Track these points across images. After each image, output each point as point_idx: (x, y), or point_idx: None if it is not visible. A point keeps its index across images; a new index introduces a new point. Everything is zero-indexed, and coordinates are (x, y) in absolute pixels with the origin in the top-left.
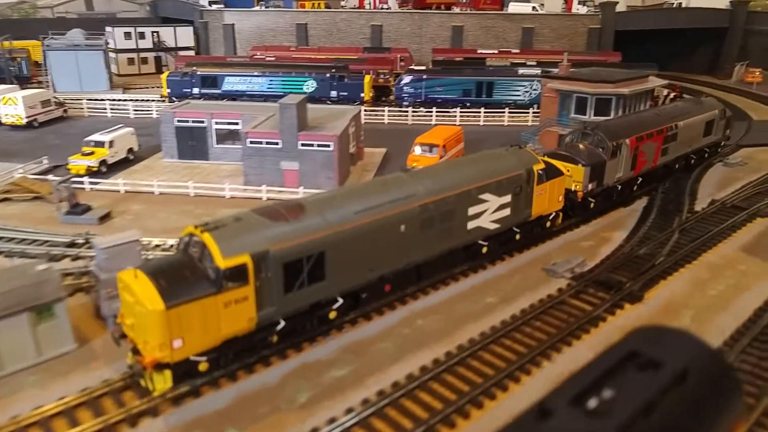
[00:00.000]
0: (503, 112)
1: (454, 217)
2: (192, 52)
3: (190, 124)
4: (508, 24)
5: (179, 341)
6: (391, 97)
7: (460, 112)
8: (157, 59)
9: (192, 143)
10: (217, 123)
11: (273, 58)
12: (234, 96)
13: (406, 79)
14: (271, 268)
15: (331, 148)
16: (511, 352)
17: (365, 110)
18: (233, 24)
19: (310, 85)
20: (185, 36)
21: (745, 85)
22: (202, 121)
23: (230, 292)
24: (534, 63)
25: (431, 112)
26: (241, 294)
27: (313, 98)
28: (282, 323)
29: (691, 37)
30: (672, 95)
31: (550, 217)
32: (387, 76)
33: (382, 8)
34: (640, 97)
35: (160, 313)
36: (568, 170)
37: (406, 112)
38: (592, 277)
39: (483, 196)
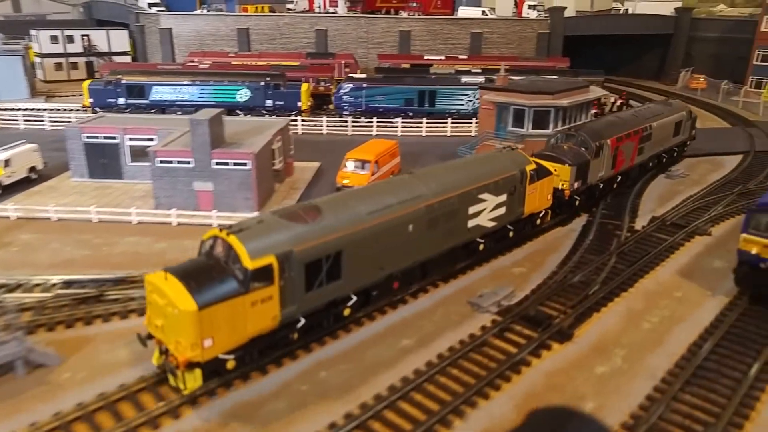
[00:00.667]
0: (446, 122)
1: (456, 217)
2: (128, 58)
3: (101, 140)
4: (456, 29)
5: (209, 340)
6: (331, 106)
7: (402, 122)
8: (89, 65)
9: (104, 161)
10: (130, 139)
11: (207, 66)
12: (164, 107)
13: (346, 87)
14: (294, 268)
15: (248, 167)
16: (420, 409)
17: (302, 120)
18: (170, 28)
19: (243, 94)
20: (120, 40)
21: (690, 92)
22: (114, 137)
23: (257, 291)
24: (479, 70)
25: (372, 122)
26: (266, 293)
27: (247, 108)
28: (302, 321)
29: (640, 43)
30: (618, 102)
31: (540, 215)
32: (328, 84)
33: (329, 11)
34: (581, 107)
35: (193, 314)
36: (555, 170)
37: (346, 122)
38: (519, 311)
39: (482, 196)
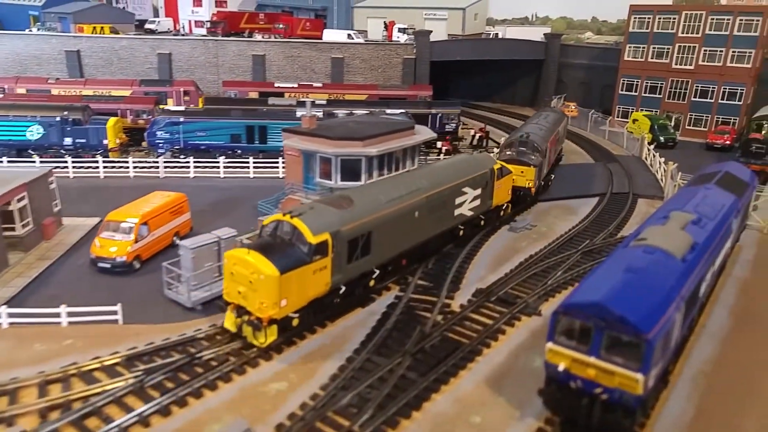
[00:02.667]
0: (278, 162)
1: (447, 206)
2: None
3: None
4: (315, 53)
5: (284, 301)
6: (144, 144)
7: (224, 162)
8: None
9: None
10: None
11: (1, 95)
12: None
13: (160, 122)
14: (341, 244)
15: None
16: None
17: (104, 161)
18: None
19: (35, 131)
20: None
21: None
22: None
23: (317, 262)
24: (323, 101)
25: (188, 162)
26: (323, 264)
27: (42, 147)
28: (343, 288)
29: (515, 70)
30: (478, 135)
31: (503, 207)
32: (149, 116)
33: (186, 34)
34: (405, 152)
35: (276, 278)
36: (522, 171)
37: (157, 163)
38: None
39: (464, 189)
